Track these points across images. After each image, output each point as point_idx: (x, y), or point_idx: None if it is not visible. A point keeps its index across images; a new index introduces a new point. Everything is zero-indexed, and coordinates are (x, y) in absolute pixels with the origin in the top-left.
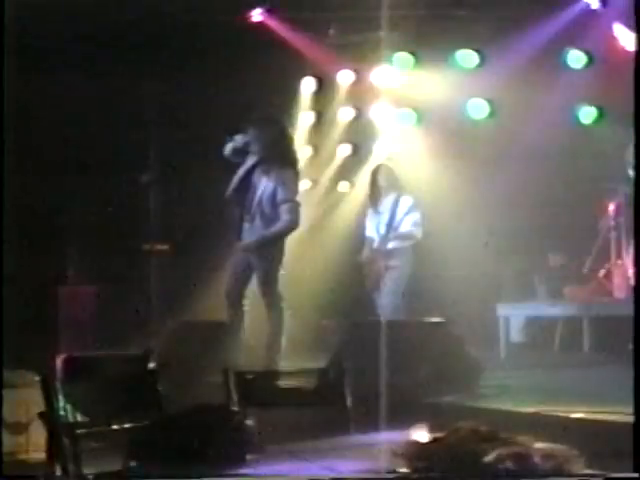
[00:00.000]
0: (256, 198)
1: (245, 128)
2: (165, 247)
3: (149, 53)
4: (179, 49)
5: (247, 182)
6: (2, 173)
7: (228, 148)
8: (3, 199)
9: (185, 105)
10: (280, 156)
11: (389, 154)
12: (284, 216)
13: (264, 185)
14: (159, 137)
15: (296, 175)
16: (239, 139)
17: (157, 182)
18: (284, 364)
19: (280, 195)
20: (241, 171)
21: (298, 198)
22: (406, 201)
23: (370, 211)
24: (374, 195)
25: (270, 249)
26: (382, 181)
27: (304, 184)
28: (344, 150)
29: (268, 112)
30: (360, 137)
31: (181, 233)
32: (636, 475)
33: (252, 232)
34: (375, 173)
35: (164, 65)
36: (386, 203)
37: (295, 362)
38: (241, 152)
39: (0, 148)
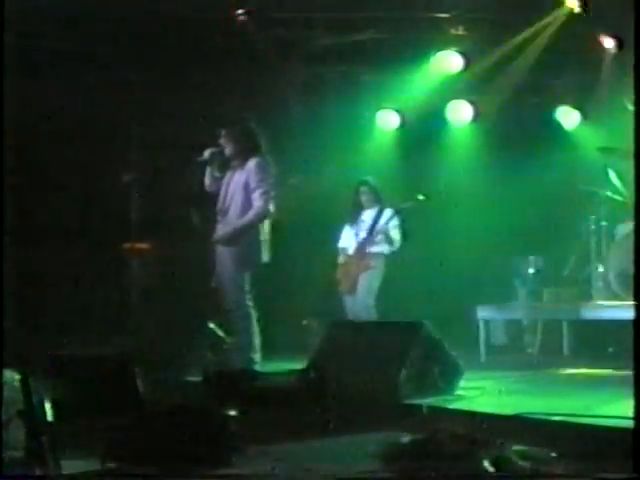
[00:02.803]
0: (229, 191)
1: (218, 130)
2: (146, 246)
3: (131, 49)
4: (163, 46)
5: (221, 178)
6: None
7: (207, 153)
8: (3, 199)
9: (167, 104)
10: (250, 147)
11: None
12: (256, 203)
13: (237, 177)
14: (140, 136)
15: (267, 163)
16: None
17: (138, 181)
18: (264, 365)
19: (252, 183)
20: (214, 169)
21: (270, 186)
22: (389, 212)
23: (347, 223)
24: (354, 210)
25: (241, 241)
26: (364, 199)
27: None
28: None
29: (236, 112)
30: None
31: (162, 231)
32: (636, 475)
33: (225, 225)
34: (356, 191)
35: (146, 62)
36: (368, 214)
37: (276, 363)
38: (219, 155)
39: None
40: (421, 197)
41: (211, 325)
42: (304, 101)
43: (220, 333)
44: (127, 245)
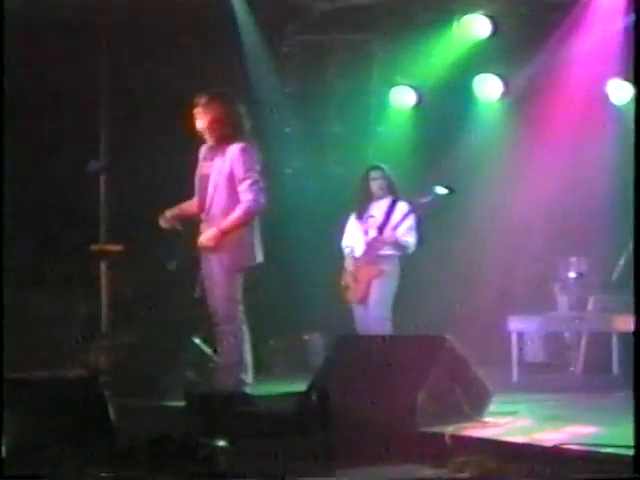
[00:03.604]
0: (211, 183)
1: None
2: (117, 248)
3: (101, 30)
4: (134, 28)
5: (204, 167)
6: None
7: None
8: (3, 200)
9: (140, 83)
10: (232, 129)
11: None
12: (244, 196)
13: (218, 167)
14: (109, 118)
15: (253, 149)
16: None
17: (107, 171)
18: (257, 387)
19: (237, 173)
20: (200, 155)
21: (259, 176)
22: (403, 206)
23: (354, 216)
24: (363, 202)
25: (229, 242)
26: (375, 188)
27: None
28: None
29: (213, 89)
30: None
31: (135, 231)
32: (636, 475)
33: (209, 224)
34: (366, 178)
35: (116, 41)
36: (378, 207)
37: (271, 384)
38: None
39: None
40: (441, 190)
41: (195, 340)
42: (302, 76)
43: (206, 349)
44: (95, 247)
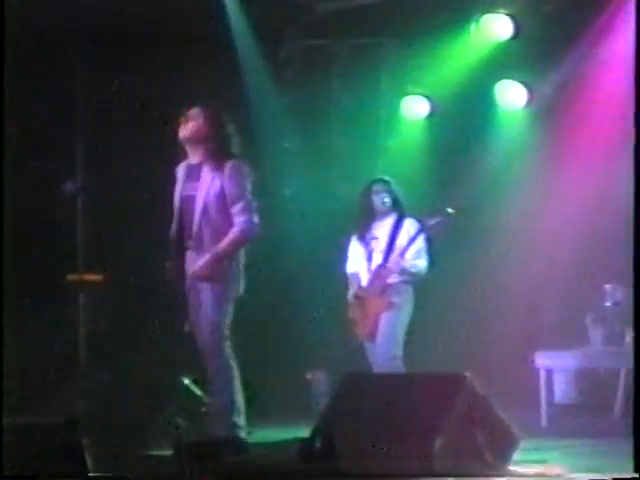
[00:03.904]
0: (199, 205)
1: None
2: (97, 277)
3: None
4: (109, 32)
5: (187, 188)
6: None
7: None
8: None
9: (121, 98)
10: (219, 147)
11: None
12: (237, 219)
13: (207, 186)
14: (86, 134)
15: (246, 167)
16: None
17: (85, 191)
18: (254, 433)
19: (230, 193)
20: (179, 174)
21: (252, 196)
22: (410, 225)
23: (355, 238)
24: (364, 221)
25: (224, 272)
26: (378, 203)
27: None
28: None
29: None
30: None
31: (118, 259)
32: (636, 475)
33: (200, 251)
34: (368, 193)
35: (95, 55)
36: (381, 226)
37: (269, 430)
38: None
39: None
40: (451, 210)
41: (185, 381)
42: (302, 85)
43: (196, 391)
44: (72, 277)
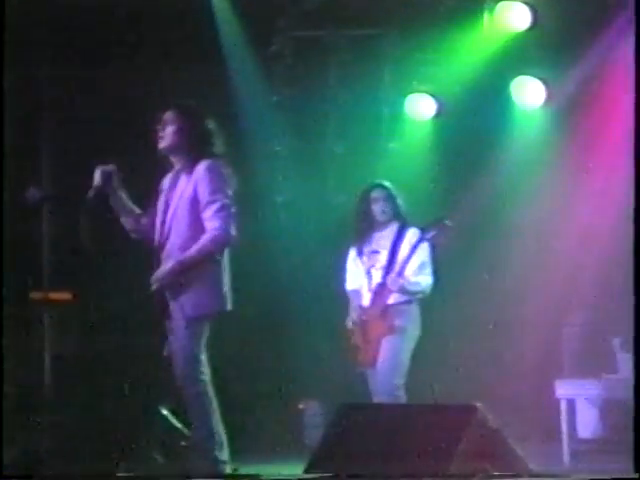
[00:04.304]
0: (170, 210)
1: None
2: (64, 296)
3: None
4: (79, 24)
5: (168, 197)
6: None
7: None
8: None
9: (91, 99)
10: (199, 150)
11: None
12: (209, 224)
13: (180, 190)
14: (52, 137)
15: (224, 168)
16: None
17: (51, 200)
18: (243, 468)
19: (202, 196)
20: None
21: (229, 200)
22: (412, 235)
23: (354, 251)
24: (362, 232)
25: (192, 282)
26: (377, 212)
27: None
28: None
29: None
30: None
31: (87, 275)
32: (636, 476)
33: (166, 258)
34: (366, 200)
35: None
36: (382, 238)
37: (257, 465)
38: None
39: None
40: (448, 222)
41: (163, 411)
42: (295, 81)
43: (175, 423)
44: (37, 294)
